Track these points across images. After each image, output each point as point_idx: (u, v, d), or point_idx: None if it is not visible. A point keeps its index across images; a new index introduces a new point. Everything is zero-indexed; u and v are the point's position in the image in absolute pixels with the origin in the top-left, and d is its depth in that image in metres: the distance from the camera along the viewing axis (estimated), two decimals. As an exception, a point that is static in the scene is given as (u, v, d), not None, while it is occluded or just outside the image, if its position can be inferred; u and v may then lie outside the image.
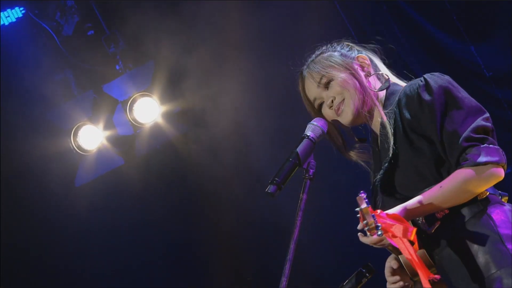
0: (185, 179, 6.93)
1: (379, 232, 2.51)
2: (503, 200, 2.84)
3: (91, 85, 6.79)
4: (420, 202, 2.71)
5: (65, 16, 6.72)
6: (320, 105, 3.03)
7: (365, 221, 2.55)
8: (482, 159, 2.65)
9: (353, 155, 3.08)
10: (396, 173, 2.85)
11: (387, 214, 2.65)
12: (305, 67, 3.07)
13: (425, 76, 2.84)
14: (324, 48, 3.10)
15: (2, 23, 6.58)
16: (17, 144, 6.55)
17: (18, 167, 6.56)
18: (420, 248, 2.78)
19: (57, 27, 6.72)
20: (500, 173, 2.69)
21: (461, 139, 2.69)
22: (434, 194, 2.71)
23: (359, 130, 3.10)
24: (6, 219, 6.55)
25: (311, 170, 2.81)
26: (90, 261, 6.75)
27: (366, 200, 2.57)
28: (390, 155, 2.83)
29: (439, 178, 2.77)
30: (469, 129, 2.70)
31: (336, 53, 3.03)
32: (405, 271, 2.85)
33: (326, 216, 6.34)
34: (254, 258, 6.91)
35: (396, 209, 2.71)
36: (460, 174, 2.68)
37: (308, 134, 2.87)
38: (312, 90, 3.02)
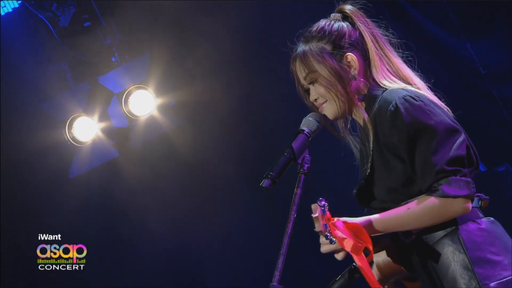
0: (180, 172, 6.93)
1: (332, 241, 2.63)
2: (482, 204, 2.85)
3: (87, 77, 6.78)
4: (385, 219, 2.76)
5: (62, 7, 6.70)
6: (307, 89, 3.04)
7: (316, 230, 2.64)
8: (451, 192, 2.69)
9: (349, 138, 3.11)
10: (370, 187, 2.90)
11: (345, 222, 2.70)
12: (299, 44, 3.05)
13: (397, 101, 2.78)
14: (320, 27, 3.07)
15: (-2, 13, 6.57)
16: (11, 135, 6.54)
17: (12, 158, 6.55)
18: (397, 254, 2.85)
19: (53, 18, 6.70)
20: (467, 207, 2.72)
21: (435, 169, 2.71)
22: (400, 214, 2.75)
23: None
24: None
25: (306, 165, 2.81)
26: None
27: (323, 208, 2.62)
28: (368, 171, 2.87)
29: (409, 197, 2.81)
30: (443, 160, 2.71)
31: (327, 46, 2.99)
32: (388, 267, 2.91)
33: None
34: (249, 251, 6.91)
35: (359, 219, 2.75)
36: (429, 202, 2.71)
37: (303, 129, 2.87)
38: (300, 76, 3.03)
